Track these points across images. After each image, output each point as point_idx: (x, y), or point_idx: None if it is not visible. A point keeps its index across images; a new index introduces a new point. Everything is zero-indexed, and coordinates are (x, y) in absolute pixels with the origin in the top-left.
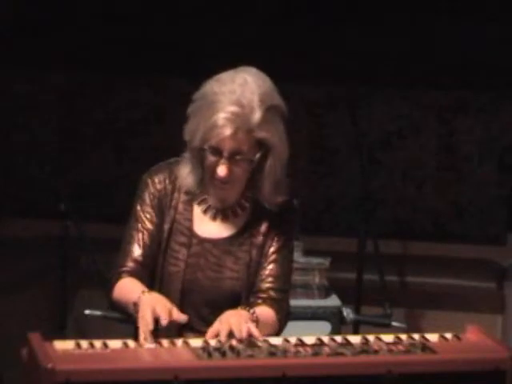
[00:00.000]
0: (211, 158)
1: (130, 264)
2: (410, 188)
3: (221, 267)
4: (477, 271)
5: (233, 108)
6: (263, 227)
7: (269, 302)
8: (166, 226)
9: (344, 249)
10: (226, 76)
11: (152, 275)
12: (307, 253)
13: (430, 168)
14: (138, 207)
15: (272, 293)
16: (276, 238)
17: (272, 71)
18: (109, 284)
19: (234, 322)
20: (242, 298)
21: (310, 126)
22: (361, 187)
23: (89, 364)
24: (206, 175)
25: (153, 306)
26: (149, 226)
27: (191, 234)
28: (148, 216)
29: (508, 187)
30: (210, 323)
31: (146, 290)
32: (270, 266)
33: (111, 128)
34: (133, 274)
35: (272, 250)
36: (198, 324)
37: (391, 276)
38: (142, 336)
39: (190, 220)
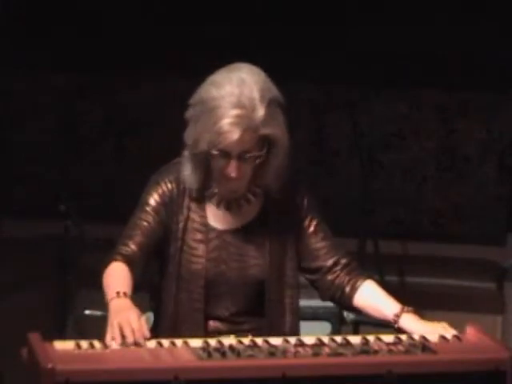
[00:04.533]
0: (220, 161)
1: (132, 246)
2: (410, 188)
3: (243, 256)
4: (477, 271)
5: (235, 111)
6: (280, 210)
7: (347, 269)
8: (180, 225)
9: (344, 249)
10: (221, 78)
11: (162, 274)
12: None
13: (430, 168)
14: (146, 200)
15: (343, 260)
16: (311, 216)
17: (272, 71)
18: (106, 261)
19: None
20: (265, 284)
21: (310, 125)
22: (361, 187)
23: (89, 364)
24: (213, 174)
25: (121, 325)
26: (153, 220)
27: (207, 228)
28: (154, 211)
29: (508, 187)
30: (232, 311)
31: (120, 290)
32: (322, 244)
33: (111, 128)
34: (129, 257)
35: (312, 228)
36: (220, 311)
37: (391, 276)
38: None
39: (204, 216)
